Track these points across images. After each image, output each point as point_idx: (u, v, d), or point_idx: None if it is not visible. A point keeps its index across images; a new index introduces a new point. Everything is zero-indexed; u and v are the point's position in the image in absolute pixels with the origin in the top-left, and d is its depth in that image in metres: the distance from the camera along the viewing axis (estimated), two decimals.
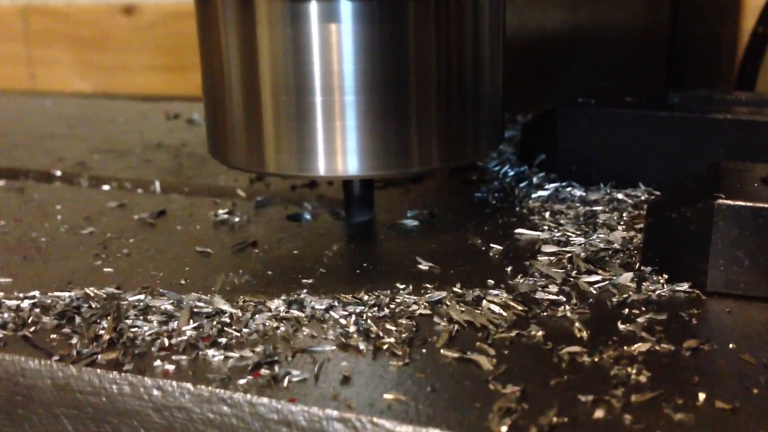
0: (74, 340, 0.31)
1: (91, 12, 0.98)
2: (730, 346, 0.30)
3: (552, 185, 0.47)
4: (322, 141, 0.37)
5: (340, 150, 0.37)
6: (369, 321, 0.32)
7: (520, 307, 0.33)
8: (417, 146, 0.38)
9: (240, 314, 0.33)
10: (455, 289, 0.35)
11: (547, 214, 0.43)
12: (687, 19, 0.64)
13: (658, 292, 0.34)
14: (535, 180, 0.48)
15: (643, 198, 0.45)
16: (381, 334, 0.31)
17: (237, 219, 0.45)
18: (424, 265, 0.38)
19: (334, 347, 0.31)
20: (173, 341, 0.31)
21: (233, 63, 0.38)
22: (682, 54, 0.65)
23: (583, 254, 0.37)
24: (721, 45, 0.69)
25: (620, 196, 0.45)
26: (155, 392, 0.29)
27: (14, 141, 0.66)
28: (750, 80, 0.68)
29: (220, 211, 0.46)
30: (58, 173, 0.56)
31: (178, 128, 0.69)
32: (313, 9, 0.35)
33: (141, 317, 0.33)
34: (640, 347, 0.30)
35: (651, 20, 0.63)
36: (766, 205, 0.32)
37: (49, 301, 0.35)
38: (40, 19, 1.01)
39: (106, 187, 0.53)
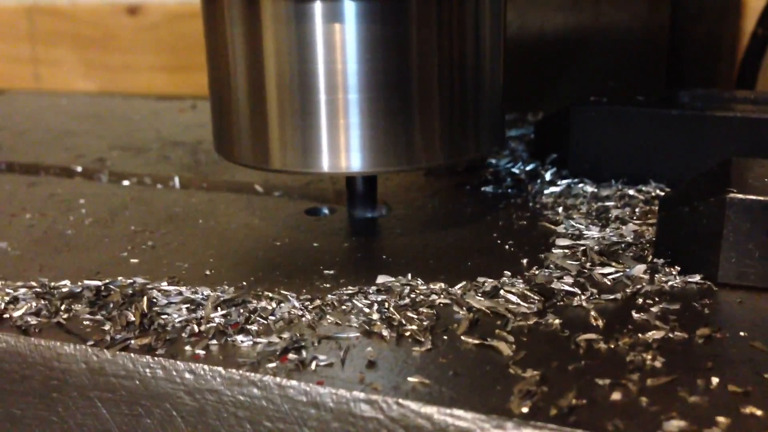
0: (107, 326, 0.32)
1: (96, 12, 0.99)
2: (742, 334, 0.31)
3: (564, 181, 0.48)
4: (326, 138, 0.38)
5: (344, 147, 0.38)
6: (391, 309, 0.33)
7: (537, 297, 0.34)
8: (419, 143, 0.39)
9: (265, 303, 0.34)
10: (473, 280, 0.36)
11: (560, 209, 0.44)
12: (687, 20, 0.65)
13: (670, 283, 0.35)
14: (547, 177, 0.49)
15: (653, 194, 0.46)
16: (403, 321, 0.32)
17: (257, 213, 0.46)
18: (441, 258, 0.39)
19: (358, 334, 0.32)
20: (202, 328, 0.32)
21: (239, 61, 0.39)
22: (683, 55, 0.66)
23: (596, 247, 0.38)
24: (721, 46, 0.70)
25: (631, 192, 0.46)
26: (187, 375, 0.30)
27: (33, 138, 0.67)
28: (749, 81, 0.69)
29: (240, 206, 0.47)
30: (79, 169, 0.57)
31: (194, 125, 0.70)
32: (318, 9, 0.36)
33: (170, 305, 0.34)
34: (654, 335, 0.31)
35: (652, 22, 0.64)
36: None
37: (79, 289, 0.36)
38: (45, 19, 1.02)
39: (126, 183, 0.54)
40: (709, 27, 0.68)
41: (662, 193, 0.46)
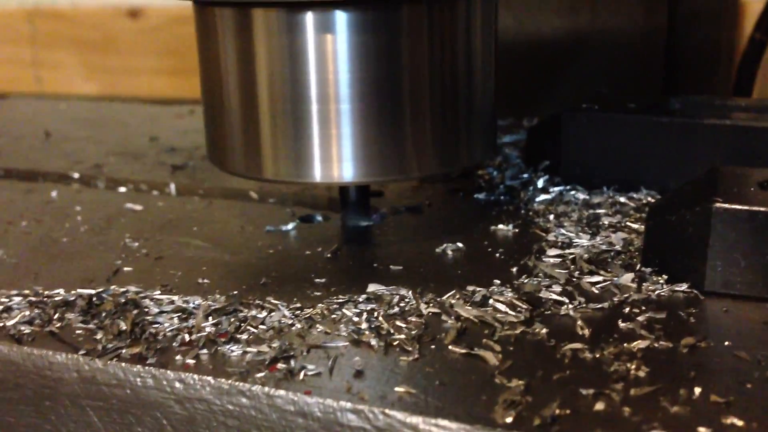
0: (99, 336, 0.33)
1: (97, 15, 1.00)
2: (726, 343, 0.31)
3: (556, 188, 0.48)
4: (318, 148, 0.38)
5: (336, 157, 0.38)
6: (380, 318, 0.34)
7: (525, 306, 0.34)
8: (411, 153, 0.39)
9: (256, 312, 0.34)
10: (462, 289, 0.36)
11: (551, 217, 0.44)
12: (684, 25, 0.66)
13: (657, 291, 0.35)
14: (539, 183, 0.49)
15: (644, 201, 0.46)
16: (392, 330, 0.33)
17: (251, 221, 0.46)
18: (432, 266, 0.39)
19: (347, 343, 0.32)
20: (193, 337, 0.33)
21: (231, 72, 0.39)
22: (680, 60, 0.66)
23: (585, 255, 0.39)
24: (719, 51, 0.70)
25: (622, 199, 0.46)
26: (177, 385, 0.30)
27: (31, 144, 0.67)
28: (747, 86, 0.69)
29: (234, 213, 0.47)
30: (76, 175, 0.57)
31: (191, 131, 0.70)
32: (309, 19, 0.36)
33: (162, 314, 0.34)
34: (639, 344, 0.31)
35: (648, 26, 0.64)
36: (761, 209, 0.34)
37: (72, 298, 0.36)
38: (46, 22, 1.03)
39: (122, 189, 0.55)
40: (706, 31, 0.68)
41: (653, 200, 0.46)
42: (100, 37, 1.00)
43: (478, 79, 0.41)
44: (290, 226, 0.45)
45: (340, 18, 0.36)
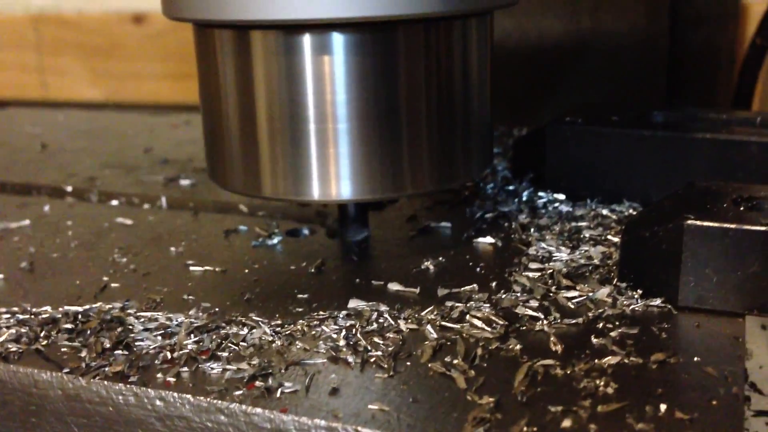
0: (83, 353, 0.34)
1: (102, 21, 1.01)
2: (696, 359, 0.32)
3: (540, 201, 0.49)
4: (316, 167, 0.39)
5: (334, 175, 0.39)
6: (358, 335, 0.34)
7: (501, 322, 0.35)
8: (408, 171, 0.40)
9: (237, 329, 0.35)
10: (441, 305, 0.37)
11: (532, 230, 0.45)
12: (686, 28, 0.66)
13: (632, 306, 0.36)
14: (524, 196, 0.50)
15: (626, 213, 0.47)
16: (369, 347, 0.33)
17: (239, 235, 0.47)
18: (413, 281, 0.40)
19: (325, 360, 0.33)
20: (175, 354, 0.33)
21: (230, 92, 0.40)
22: (682, 64, 0.66)
23: (564, 269, 0.39)
24: (721, 54, 0.71)
25: (605, 211, 0.47)
26: (158, 402, 0.31)
27: (28, 156, 0.68)
28: (748, 91, 0.69)
29: (223, 228, 0.48)
30: (69, 189, 0.58)
31: (186, 142, 0.71)
32: (307, 41, 0.37)
33: (145, 331, 0.35)
34: (610, 360, 0.32)
35: (650, 30, 0.64)
36: (732, 226, 0.34)
37: (59, 315, 0.37)
38: (51, 28, 1.04)
39: (114, 203, 0.55)
40: (708, 35, 0.68)
41: (635, 212, 0.47)
42: (105, 43, 1.01)
43: (474, 97, 0.41)
44: (276, 240, 0.46)
45: (337, 40, 0.37)
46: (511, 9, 0.67)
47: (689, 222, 0.35)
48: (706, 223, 0.35)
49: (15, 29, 1.05)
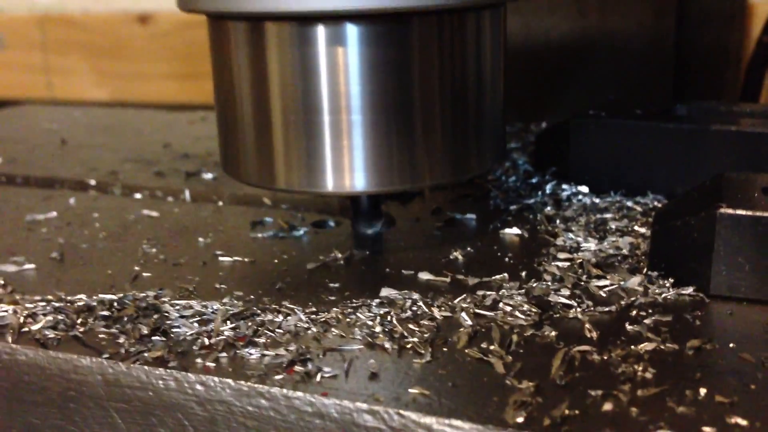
0: (122, 339, 0.34)
1: (108, 21, 1.01)
2: (731, 345, 0.32)
3: (564, 194, 0.49)
4: (330, 158, 0.39)
5: (348, 167, 0.39)
6: (394, 322, 0.34)
7: (534, 310, 0.35)
8: (422, 163, 0.40)
9: (273, 316, 0.35)
10: (473, 293, 0.37)
11: (558, 222, 0.45)
12: (693, 28, 0.66)
13: (664, 295, 0.36)
14: (548, 189, 0.50)
15: (651, 206, 0.47)
16: (405, 334, 0.34)
17: (264, 227, 0.48)
18: (444, 271, 0.40)
19: (362, 346, 0.33)
20: (212, 341, 0.34)
21: (244, 84, 0.40)
22: (689, 62, 0.67)
23: (593, 259, 0.40)
24: (728, 53, 0.71)
25: (629, 203, 0.47)
26: (198, 387, 0.31)
27: (48, 151, 0.69)
28: (755, 89, 0.70)
29: (248, 220, 0.49)
30: (93, 182, 0.58)
31: (204, 137, 0.71)
32: (321, 33, 0.37)
33: (182, 318, 0.35)
34: (646, 346, 0.32)
35: (657, 29, 0.65)
36: (765, 214, 0.34)
37: (94, 303, 0.37)
38: (57, 29, 1.04)
39: (138, 196, 0.56)
40: (715, 33, 0.68)
41: (659, 205, 0.47)
42: (111, 43, 1.01)
43: (488, 88, 0.42)
44: (302, 231, 0.46)
45: (351, 31, 0.37)
46: (519, 7, 0.68)
47: (722, 211, 0.35)
48: (738, 212, 0.35)
49: (20, 29, 1.06)
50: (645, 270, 0.38)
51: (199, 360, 0.32)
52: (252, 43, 0.39)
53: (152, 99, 1.00)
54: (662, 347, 0.32)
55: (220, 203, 0.53)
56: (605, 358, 0.31)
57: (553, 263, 0.40)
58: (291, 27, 0.38)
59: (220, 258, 0.43)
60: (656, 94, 0.66)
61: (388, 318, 0.35)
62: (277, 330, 0.34)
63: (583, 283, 0.38)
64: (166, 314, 0.36)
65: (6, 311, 0.36)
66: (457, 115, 0.40)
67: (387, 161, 0.39)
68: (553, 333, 0.33)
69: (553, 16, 0.68)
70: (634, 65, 0.66)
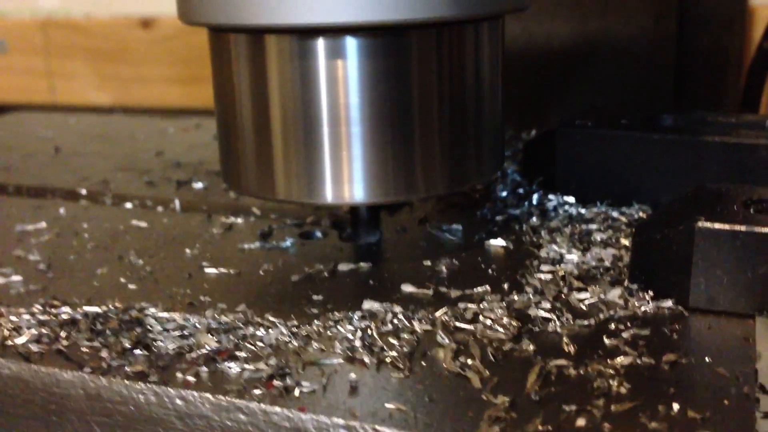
0: (104, 353, 0.34)
1: (110, 25, 1.02)
2: (707, 359, 0.32)
3: (550, 204, 0.49)
4: (330, 169, 0.39)
5: (347, 178, 0.39)
6: (374, 335, 0.35)
7: (514, 323, 0.35)
8: (421, 174, 0.40)
9: (254, 330, 0.36)
10: (454, 306, 0.37)
11: (543, 233, 0.45)
12: (694, 32, 0.66)
13: (643, 308, 0.36)
14: (534, 199, 0.50)
15: (636, 216, 0.47)
16: (385, 347, 0.34)
17: (252, 237, 0.48)
18: (426, 282, 0.40)
19: (342, 360, 0.33)
20: (194, 354, 0.34)
21: (245, 96, 0.40)
22: (690, 67, 0.67)
23: (575, 271, 0.40)
24: (729, 58, 0.71)
25: (615, 214, 0.48)
26: (178, 401, 0.32)
27: (41, 160, 0.69)
28: (755, 94, 0.70)
29: (237, 230, 0.49)
30: (84, 191, 0.59)
31: (197, 146, 0.72)
32: (320, 45, 0.38)
33: (164, 332, 0.36)
34: (622, 361, 0.32)
35: (658, 34, 0.65)
36: (742, 228, 0.35)
37: (79, 316, 0.37)
38: (59, 33, 1.04)
39: (128, 205, 0.56)
40: (716, 38, 0.69)
41: (644, 215, 0.47)
42: (113, 47, 1.02)
43: (486, 100, 0.42)
44: (289, 242, 0.47)
45: (351, 44, 0.38)
46: (519, 13, 0.68)
47: (700, 224, 0.35)
48: (716, 226, 0.35)
49: (23, 33, 1.06)
50: (626, 282, 0.39)
51: (179, 374, 0.33)
52: (252, 56, 0.39)
53: (154, 103, 1.01)
54: (638, 361, 0.32)
55: (209, 213, 0.53)
56: (581, 372, 0.32)
57: (535, 275, 0.40)
58: (291, 40, 0.38)
59: (206, 270, 0.43)
60: (657, 98, 0.66)
61: (369, 331, 0.35)
62: (258, 343, 0.35)
63: (564, 295, 0.38)
64: (149, 328, 0.36)
65: None
66: (456, 127, 0.40)
67: (386, 172, 0.39)
68: (532, 347, 0.34)
69: (554, 20, 0.68)
70: (634, 69, 0.66)
